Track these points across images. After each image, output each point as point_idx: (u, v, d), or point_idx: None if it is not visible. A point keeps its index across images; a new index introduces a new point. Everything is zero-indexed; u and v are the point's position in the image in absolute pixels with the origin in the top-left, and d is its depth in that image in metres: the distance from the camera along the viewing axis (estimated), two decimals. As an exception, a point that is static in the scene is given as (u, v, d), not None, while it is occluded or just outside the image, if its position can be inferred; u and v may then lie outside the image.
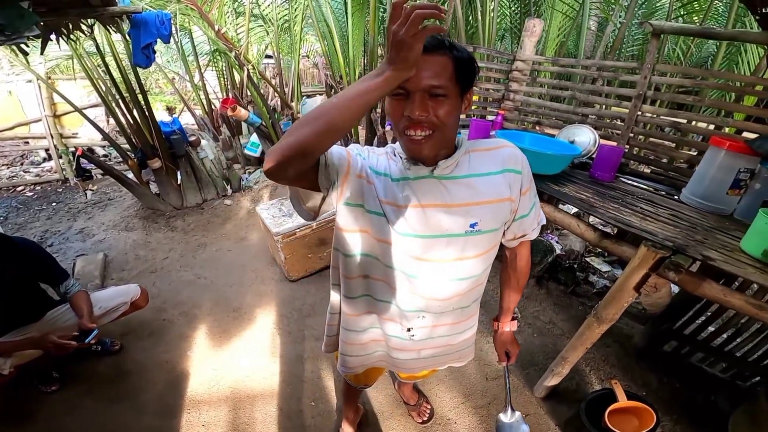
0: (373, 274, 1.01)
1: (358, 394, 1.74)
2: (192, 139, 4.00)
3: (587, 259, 2.98)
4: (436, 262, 0.93)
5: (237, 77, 4.84)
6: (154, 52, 3.14)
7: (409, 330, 1.05)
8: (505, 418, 1.25)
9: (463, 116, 2.88)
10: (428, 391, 2.02)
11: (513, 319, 1.24)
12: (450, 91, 0.78)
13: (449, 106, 0.79)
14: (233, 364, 2.22)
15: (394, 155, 0.94)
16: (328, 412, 1.93)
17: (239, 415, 1.93)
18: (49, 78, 5.13)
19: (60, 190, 4.92)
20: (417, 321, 1.04)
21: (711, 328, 2.09)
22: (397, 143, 0.92)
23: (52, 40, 2.66)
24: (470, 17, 4.16)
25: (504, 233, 1.01)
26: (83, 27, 2.85)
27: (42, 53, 2.70)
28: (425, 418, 1.87)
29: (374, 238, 0.94)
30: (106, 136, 3.90)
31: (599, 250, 3.05)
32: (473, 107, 3.08)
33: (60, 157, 5.16)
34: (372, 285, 1.03)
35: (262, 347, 2.33)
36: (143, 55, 3.05)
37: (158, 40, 3.07)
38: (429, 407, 1.91)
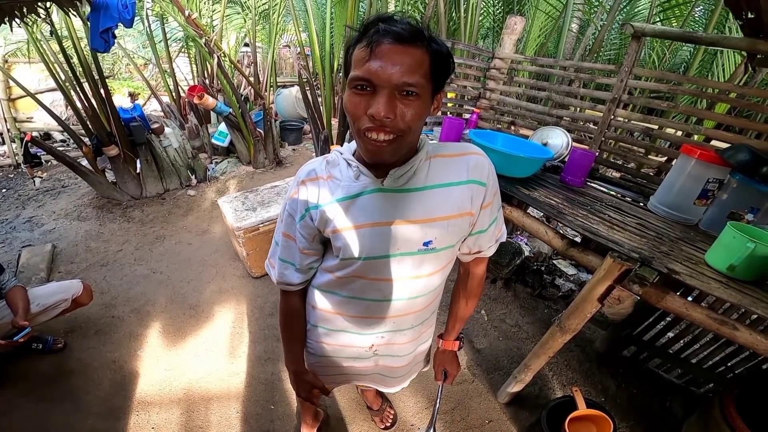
0: (328, 307, 0.98)
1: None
2: (155, 126, 3.81)
3: (554, 262, 2.98)
4: (383, 282, 0.86)
5: (209, 65, 4.67)
6: (114, 37, 2.99)
7: (371, 347, 1.02)
8: None
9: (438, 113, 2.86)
10: (392, 396, 1.97)
11: (458, 339, 1.17)
12: (423, 90, 0.66)
13: (419, 108, 0.67)
14: (188, 364, 2.11)
15: (338, 163, 0.83)
16: (288, 416, 1.87)
17: (193, 417, 1.85)
18: (7, 62, 4.96)
19: (11, 175, 4.64)
20: (378, 341, 1.00)
21: (670, 334, 2.13)
22: (346, 145, 0.83)
23: (5, 23, 2.48)
24: (453, 13, 4.09)
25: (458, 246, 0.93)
26: (39, 10, 2.67)
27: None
28: (388, 424, 1.82)
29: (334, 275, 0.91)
30: (59, 122, 3.66)
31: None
32: (449, 104, 3.02)
33: (13, 141, 4.94)
34: (328, 316, 1.00)
35: (219, 347, 2.23)
36: (102, 40, 2.89)
37: (119, 24, 2.90)
38: (392, 413, 1.86)
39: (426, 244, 0.81)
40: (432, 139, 1.97)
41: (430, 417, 1.21)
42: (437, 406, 1.19)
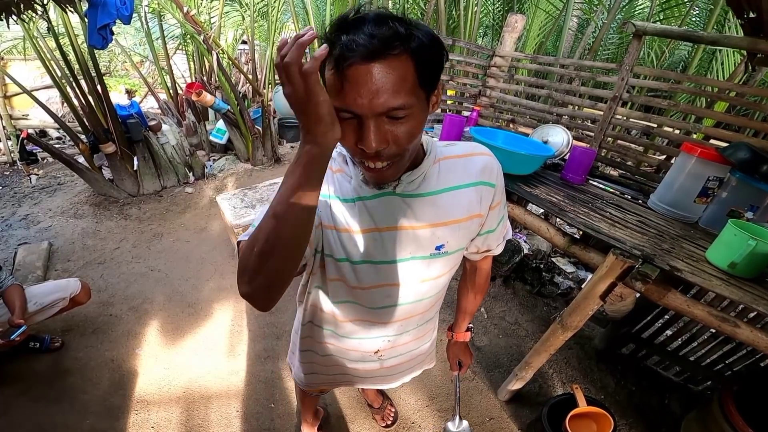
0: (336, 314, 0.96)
1: (316, 398, 1.66)
2: (152, 123, 3.79)
3: (553, 260, 2.99)
4: (393, 287, 0.85)
5: (207, 62, 4.65)
6: (112, 33, 2.95)
7: (377, 352, 1.01)
8: (453, 426, 1.22)
9: (437, 111, 2.85)
10: (392, 393, 1.96)
11: (468, 330, 1.19)
12: (414, 106, 0.57)
13: (413, 126, 0.59)
14: (187, 363, 2.10)
15: (345, 163, 0.77)
16: (288, 414, 1.86)
17: (193, 416, 1.84)
18: (2, 59, 4.97)
19: (7, 173, 4.62)
20: (383, 344, 0.99)
21: (668, 332, 2.14)
22: None
23: (1, 20, 2.47)
24: (453, 11, 4.09)
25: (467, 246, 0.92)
26: (36, 7, 2.64)
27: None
28: (389, 422, 1.82)
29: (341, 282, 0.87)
30: (56, 119, 3.64)
31: (567, 250, 3.08)
32: (449, 102, 3.01)
33: (9, 138, 4.94)
34: (334, 319, 0.97)
35: (218, 345, 2.22)
36: (99, 36, 2.87)
37: (117, 20, 2.87)
38: (393, 410, 1.86)
39: (438, 248, 0.79)
40: (432, 136, 1.97)
41: (453, 405, 1.22)
42: (458, 394, 1.22)
